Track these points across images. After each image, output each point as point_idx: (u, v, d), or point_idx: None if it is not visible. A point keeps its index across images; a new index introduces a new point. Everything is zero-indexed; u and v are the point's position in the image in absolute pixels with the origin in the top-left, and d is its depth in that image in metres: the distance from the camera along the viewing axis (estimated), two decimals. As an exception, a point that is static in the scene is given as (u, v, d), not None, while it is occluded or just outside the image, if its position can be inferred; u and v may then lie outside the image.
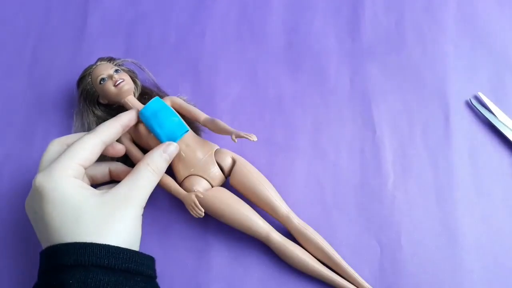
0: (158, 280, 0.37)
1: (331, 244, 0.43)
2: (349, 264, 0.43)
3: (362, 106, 0.51)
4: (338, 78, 0.53)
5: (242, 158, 0.45)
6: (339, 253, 0.43)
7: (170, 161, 0.40)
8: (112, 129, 0.39)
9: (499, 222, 0.46)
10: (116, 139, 0.40)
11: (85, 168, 0.36)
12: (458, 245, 0.45)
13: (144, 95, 0.50)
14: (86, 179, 0.41)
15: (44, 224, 0.33)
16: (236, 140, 0.42)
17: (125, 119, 0.41)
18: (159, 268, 0.38)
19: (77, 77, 0.49)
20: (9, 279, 0.44)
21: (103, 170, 0.43)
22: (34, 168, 0.49)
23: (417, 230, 0.45)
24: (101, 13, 0.58)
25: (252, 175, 0.44)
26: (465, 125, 0.50)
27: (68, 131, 0.51)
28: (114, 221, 0.32)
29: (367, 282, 0.43)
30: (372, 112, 0.51)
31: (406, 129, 0.50)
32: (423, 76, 0.53)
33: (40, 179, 0.33)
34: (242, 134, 0.42)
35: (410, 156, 0.49)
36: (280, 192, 0.45)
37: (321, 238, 0.43)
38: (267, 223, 0.43)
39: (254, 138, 0.42)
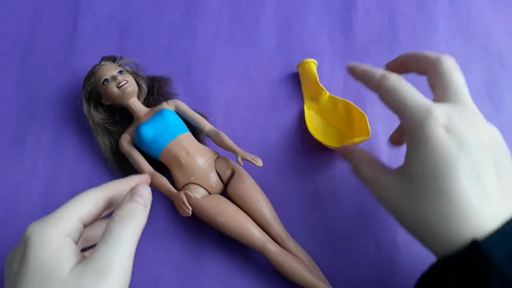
0: (154, 284, 0.37)
1: (329, 246, 0.43)
2: (347, 264, 0.43)
3: (355, 105, 0.51)
4: (331, 77, 0.53)
5: (242, 169, 0.45)
6: (338, 254, 0.43)
7: (148, 206, 0.32)
8: (120, 188, 0.34)
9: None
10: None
11: (85, 225, 0.31)
12: (454, 243, 0.45)
13: (149, 97, 0.50)
14: (83, 237, 0.34)
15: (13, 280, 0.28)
16: (242, 163, 0.43)
17: (136, 182, 0.36)
18: (155, 271, 0.38)
19: (68, 80, 0.49)
20: None
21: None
22: (25, 171, 0.48)
23: (413, 228, 0.45)
24: (92, 14, 0.57)
25: (249, 190, 0.43)
26: (459, 123, 0.50)
27: (60, 136, 0.50)
28: None
29: (364, 282, 0.43)
30: (366, 111, 0.51)
31: (401, 128, 0.50)
32: (416, 74, 0.53)
33: (31, 228, 0.28)
34: (248, 157, 0.42)
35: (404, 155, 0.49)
36: (276, 194, 0.45)
37: (312, 262, 0.42)
38: (264, 233, 0.42)
39: (260, 163, 0.42)
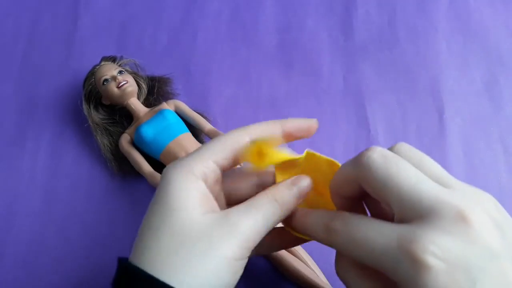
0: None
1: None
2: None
3: (356, 105, 0.51)
4: (331, 77, 0.53)
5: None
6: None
7: (300, 199, 0.28)
8: (265, 129, 0.28)
9: (494, 219, 0.46)
10: (268, 144, 0.27)
11: (224, 170, 0.27)
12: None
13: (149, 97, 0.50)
14: (219, 187, 0.29)
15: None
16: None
17: (291, 125, 0.30)
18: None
19: (68, 80, 0.49)
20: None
21: (247, 184, 0.30)
22: (25, 171, 0.48)
23: (413, 228, 0.45)
24: (92, 15, 0.57)
25: None
26: (459, 122, 0.50)
27: (60, 136, 0.50)
28: (198, 261, 0.23)
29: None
30: (366, 110, 0.51)
31: (400, 127, 0.50)
32: (416, 74, 0.53)
33: (166, 169, 0.26)
34: None
35: (404, 154, 0.49)
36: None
37: (311, 261, 0.42)
38: None
39: None
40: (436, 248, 0.19)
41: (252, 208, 0.25)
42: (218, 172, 0.27)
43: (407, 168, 0.23)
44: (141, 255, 0.24)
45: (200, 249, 0.23)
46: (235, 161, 0.27)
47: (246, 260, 0.26)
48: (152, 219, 0.25)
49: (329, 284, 0.41)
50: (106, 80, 0.46)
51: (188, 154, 0.27)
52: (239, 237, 0.24)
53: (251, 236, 0.25)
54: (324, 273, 0.43)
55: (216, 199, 0.27)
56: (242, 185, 0.30)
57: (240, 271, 0.26)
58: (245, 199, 0.27)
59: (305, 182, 0.29)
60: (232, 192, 0.30)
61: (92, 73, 0.48)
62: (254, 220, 0.25)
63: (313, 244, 0.45)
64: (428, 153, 0.48)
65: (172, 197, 0.24)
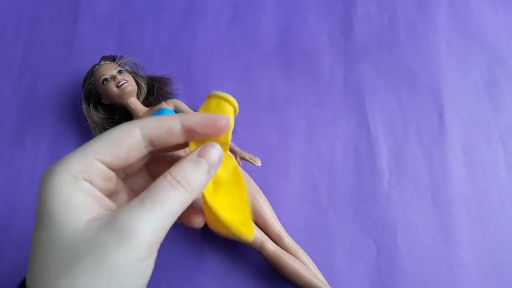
0: (155, 284, 0.37)
1: (328, 245, 0.43)
2: (346, 264, 0.43)
3: (356, 105, 0.51)
4: (331, 77, 0.53)
5: (241, 170, 0.45)
6: (336, 253, 0.43)
7: (213, 173, 0.24)
8: (161, 124, 0.24)
9: (495, 219, 0.46)
10: (167, 142, 0.24)
11: (113, 168, 0.23)
12: (454, 243, 0.45)
13: (149, 97, 0.50)
14: (121, 188, 0.26)
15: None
16: (240, 163, 0.43)
17: (194, 121, 0.24)
18: (155, 271, 0.38)
19: (68, 80, 0.49)
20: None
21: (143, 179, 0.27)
22: (25, 171, 0.48)
23: (413, 228, 0.45)
24: (92, 15, 0.57)
25: (248, 190, 0.43)
26: (459, 122, 0.50)
27: (60, 135, 0.50)
28: (89, 278, 0.20)
29: (364, 282, 0.42)
30: (366, 111, 0.51)
31: (400, 127, 0.50)
32: (417, 74, 0.53)
33: (46, 170, 0.23)
34: (247, 157, 0.43)
35: (404, 155, 0.49)
36: (275, 193, 0.45)
37: (310, 262, 0.42)
38: (262, 233, 0.42)
39: (258, 163, 0.42)
40: None
41: (149, 203, 0.21)
42: (106, 170, 0.23)
43: None
44: (32, 280, 0.21)
45: (89, 264, 0.20)
46: (126, 158, 0.23)
47: (152, 257, 0.22)
48: (36, 234, 0.21)
49: (328, 284, 0.41)
50: (105, 79, 0.46)
51: (69, 153, 0.23)
52: (131, 242, 0.20)
53: (148, 236, 0.20)
54: (322, 273, 0.43)
55: (113, 196, 0.25)
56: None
57: (147, 270, 0.22)
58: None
59: (215, 152, 0.24)
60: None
61: (92, 72, 0.48)
62: (152, 218, 0.21)
63: (312, 244, 0.45)
64: (428, 153, 0.49)
65: (52, 206, 0.21)
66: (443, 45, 0.54)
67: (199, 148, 0.24)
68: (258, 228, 0.42)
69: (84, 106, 0.48)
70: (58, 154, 0.49)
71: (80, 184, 0.22)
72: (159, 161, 0.27)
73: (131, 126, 0.23)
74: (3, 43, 0.56)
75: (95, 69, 0.48)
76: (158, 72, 0.52)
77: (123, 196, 0.26)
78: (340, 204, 0.47)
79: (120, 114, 0.49)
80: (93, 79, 0.47)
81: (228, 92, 0.26)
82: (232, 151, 0.44)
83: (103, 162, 0.23)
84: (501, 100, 0.51)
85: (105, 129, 0.48)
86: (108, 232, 0.20)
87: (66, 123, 0.51)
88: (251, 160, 0.42)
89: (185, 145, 0.25)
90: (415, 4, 0.57)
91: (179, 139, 0.24)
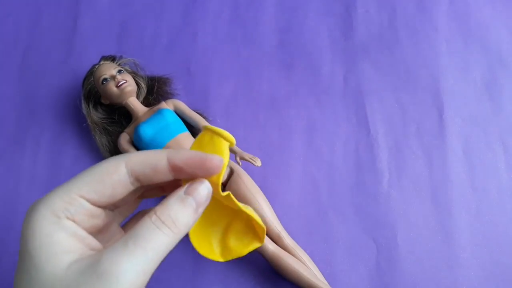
0: (156, 284, 0.37)
1: (328, 245, 0.43)
2: (346, 264, 0.43)
3: (356, 105, 0.51)
4: (331, 77, 0.53)
5: (241, 169, 0.45)
6: (336, 253, 0.43)
7: (200, 211, 0.23)
8: (147, 161, 0.22)
9: (495, 219, 0.46)
10: (154, 179, 0.23)
11: (99, 205, 0.22)
12: (454, 242, 0.45)
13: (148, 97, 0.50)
14: (112, 220, 0.25)
15: None
16: (240, 163, 0.43)
17: (182, 159, 0.22)
18: (156, 272, 0.38)
19: (68, 80, 0.49)
20: None
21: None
22: (25, 171, 0.49)
23: (413, 228, 0.45)
24: (92, 14, 0.57)
25: (248, 190, 0.43)
26: (459, 122, 0.50)
27: (60, 135, 0.50)
28: None
29: (364, 282, 0.42)
30: (366, 111, 0.51)
31: (400, 127, 0.50)
32: (417, 74, 0.53)
33: (29, 209, 0.22)
34: (246, 157, 0.43)
35: (404, 154, 0.49)
36: (275, 193, 0.45)
37: (310, 261, 0.42)
38: None
39: (258, 163, 0.42)
40: None
41: (133, 245, 0.20)
42: (90, 207, 0.22)
43: None
44: None
45: None
46: (112, 194, 0.22)
47: None
48: (18, 272, 0.21)
49: (328, 284, 0.41)
50: (105, 79, 0.46)
51: (51, 191, 0.22)
52: (113, 286, 0.19)
53: (131, 281, 0.19)
54: (322, 273, 0.43)
55: (104, 230, 0.24)
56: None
57: None
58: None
59: (203, 189, 0.22)
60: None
61: (91, 72, 0.48)
62: (135, 262, 0.19)
63: (312, 244, 0.45)
64: (428, 153, 0.49)
65: (32, 246, 0.20)
66: (443, 45, 0.54)
67: (186, 185, 0.22)
68: None
69: (83, 106, 0.48)
70: (58, 154, 0.49)
71: (62, 223, 0.21)
72: (154, 190, 0.26)
73: (116, 162, 0.22)
74: (3, 43, 0.56)
75: (94, 69, 0.48)
76: (158, 72, 0.52)
77: (115, 228, 0.25)
78: (340, 204, 0.47)
79: (119, 114, 0.49)
80: (92, 79, 0.47)
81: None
82: (231, 151, 0.44)
83: (87, 200, 0.21)
84: (501, 100, 0.51)
85: (105, 129, 0.48)
86: (89, 276, 0.19)
87: (66, 123, 0.51)
88: (251, 160, 0.42)
89: (177, 183, 0.24)
90: (415, 4, 0.57)
91: (166, 176, 0.22)
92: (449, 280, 0.43)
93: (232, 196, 0.24)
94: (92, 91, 0.48)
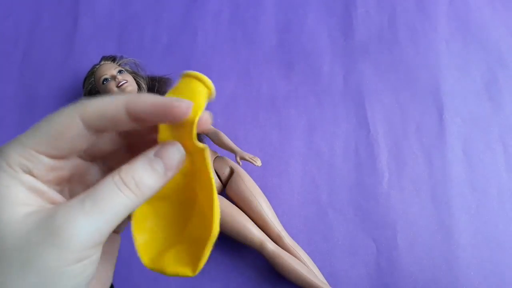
0: (156, 283, 0.37)
1: (328, 245, 0.43)
2: (346, 264, 0.43)
3: (356, 105, 0.51)
4: (331, 77, 0.53)
5: (241, 169, 0.45)
6: (336, 253, 0.43)
7: (169, 176, 0.21)
8: (103, 112, 0.20)
9: (494, 218, 0.46)
10: (116, 130, 0.21)
11: (60, 158, 0.21)
12: (454, 242, 0.45)
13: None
14: (88, 168, 0.23)
15: None
16: (241, 163, 0.43)
17: (141, 105, 0.20)
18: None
19: (68, 80, 0.49)
20: None
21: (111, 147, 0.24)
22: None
23: (413, 228, 0.45)
24: (92, 14, 0.57)
25: (248, 189, 0.43)
26: (458, 122, 0.50)
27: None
28: (17, 277, 0.19)
29: (364, 282, 0.43)
30: (366, 111, 0.51)
31: (400, 127, 0.50)
32: (416, 74, 0.53)
33: None
34: (246, 157, 0.43)
35: (404, 154, 0.49)
36: (275, 193, 0.45)
37: (310, 261, 0.43)
38: (262, 232, 0.42)
39: (258, 163, 0.43)
40: None
41: (90, 204, 0.19)
42: (49, 161, 0.21)
43: None
44: None
45: (19, 261, 0.18)
46: (72, 148, 0.21)
47: (91, 258, 0.20)
48: None
49: (327, 283, 0.41)
50: (105, 79, 0.46)
51: (8, 142, 0.20)
52: (64, 243, 0.18)
53: (85, 239, 0.19)
54: (322, 273, 0.43)
55: (77, 178, 0.22)
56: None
57: (85, 271, 0.20)
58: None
59: (175, 154, 0.21)
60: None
61: (92, 72, 0.48)
62: (91, 221, 0.19)
63: (312, 244, 0.45)
64: (428, 153, 0.49)
65: None
66: (443, 45, 0.54)
67: (157, 147, 0.21)
68: (258, 228, 0.42)
69: None
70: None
71: (20, 176, 0.20)
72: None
73: (70, 115, 0.20)
74: (3, 43, 0.56)
75: (95, 69, 0.48)
76: (158, 72, 0.52)
77: (93, 176, 0.23)
78: (340, 204, 0.47)
79: None
80: (93, 79, 0.47)
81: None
82: (232, 151, 0.44)
83: (45, 155, 0.20)
84: (501, 100, 0.51)
85: None
86: (41, 230, 0.18)
87: (66, 123, 0.51)
88: (251, 160, 0.42)
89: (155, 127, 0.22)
90: (415, 4, 0.57)
91: (128, 126, 0.20)
92: (449, 280, 0.43)
93: (207, 153, 0.21)
94: (93, 91, 0.48)
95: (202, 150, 0.20)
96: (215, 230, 0.21)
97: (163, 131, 0.21)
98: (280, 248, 0.42)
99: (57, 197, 0.21)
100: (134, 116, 0.20)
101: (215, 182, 0.21)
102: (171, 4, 0.58)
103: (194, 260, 0.22)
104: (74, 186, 0.22)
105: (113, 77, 0.46)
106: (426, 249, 0.45)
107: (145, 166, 0.20)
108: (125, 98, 0.20)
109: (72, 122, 0.20)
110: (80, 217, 0.19)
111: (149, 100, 0.20)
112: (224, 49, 0.55)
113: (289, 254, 0.41)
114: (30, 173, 0.20)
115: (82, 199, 0.19)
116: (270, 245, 0.41)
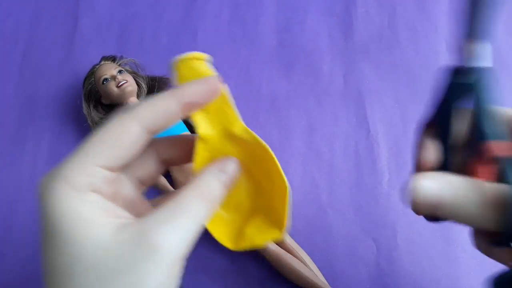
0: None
1: (328, 245, 0.43)
2: (346, 264, 0.43)
3: (356, 105, 0.51)
4: (331, 77, 0.53)
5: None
6: (336, 253, 0.43)
7: (232, 185, 0.24)
8: (157, 111, 0.21)
9: (494, 219, 0.46)
10: (166, 126, 0.23)
11: (115, 170, 0.21)
12: (454, 242, 0.45)
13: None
14: (128, 185, 0.24)
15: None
16: None
17: (189, 93, 0.22)
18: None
19: (68, 80, 0.49)
20: None
21: (150, 166, 0.25)
22: (25, 171, 0.49)
23: (413, 228, 0.45)
24: (92, 14, 0.57)
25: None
26: (459, 123, 0.50)
27: (60, 136, 0.50)
28: (128, 281, 0.18)
29: (364, 282, 0.42)
30: (366, 111, 0.51)
31: (400, 127, 0.50)
32: (417, 74, 0.53)
33: (40, 186, 0.21)
34: None
35: (404, 154, 0.49)
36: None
37: (310, 261, 0.42)
38: None
39: None
40: None
41: (177, 215, 0.20)
42: (109, 175, 0.21)
43: None
44: None
45: (123, 283, 0.18)
46: (128, 155, 0.21)
47: (179, 273, 0.21)
48: (49, 262, 0.20)
49: (327, 284, 0.41)
50: (105, 79, 0.46)
51: (63, 162, 0.21)
52: (164, 259, 0.19)
53: (181, 250, 0.20)
54: (322, 273, 0.43)
55: (126, 203, 0.23)
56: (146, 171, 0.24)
57: (176, 282, 0.21)
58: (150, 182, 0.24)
59: (234, 167, 0.24)
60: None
61: (92, 72, 0.48)
62: (182, 232, 0.20)
63: (312, 244, 0.45)
64: (428, 153, 0.49)
65: (65, 226, 0.19)
66: (443, 45, 0.54)
67: (218, 163, 0.24)
68: None
69: (84, 106, 0.48)
70: (58, 154, 0.49)
71: (88, 197, 0.20)
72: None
73: (127, 122, 0.21)
74: (3, 43, 0.56)
75: (95, 69, 0.48)
76: (158, 72, 0.52)
77: (127, 189, 0.24)
78: (340, 204, 0.47)
79: None
80: (93, 79, 0.47)
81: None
82: None
83: (105, 168, 0.20)
84: (501, 100, 0.51)
85: None
86: (138, 249, 0.18)
87: (66, 123, 0.51)
88: None
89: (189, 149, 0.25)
90: (415, 4, 0.57)
91: (179, 117, 0.22)
92: (449, 280, 0.43)
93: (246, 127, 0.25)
94: (93, 91, 0.48)
95: (244, 129, 0.26)
96: (286, 183, 0.24)
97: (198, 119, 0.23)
98: (280, 249, 0.42)
99: (122, 213, 0.21)
100: (185, 103, 0.22)
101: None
102: (171, 4, 0.58)
103: (277, 221, 0.25)
104: (119, 201, 0.22)
105: (113, 77, 0.46)
106: (426, 249, 0.45)
107: (214, 180, 0.23)
108: (171, 92, 0.22)
109: (130, 126, 0.21)
110: (172, 231, 0.19)
111: (191, 87, 0.22)
112: (224, 50, 0.55)
113: (289, 255, 0.41)
114: (97, 190, 0.20)
115: (170, 212, 0.20)
116: (271, 246, 0.41)
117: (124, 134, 0.21)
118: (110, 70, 0.47)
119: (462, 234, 0.45)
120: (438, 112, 0.25)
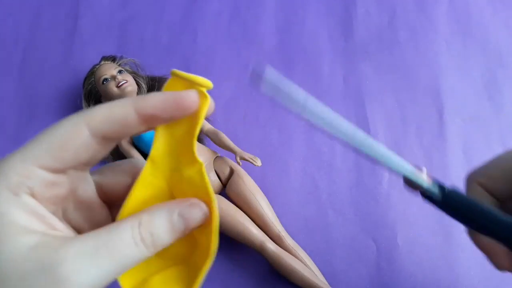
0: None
1: (328, 245, 0.43)
2: (346, 264, 0.43)
3: (355, 105, 0.51)
4: (331, 77, 0.53)
5: (241, 169, 0.45)
6: (336, 253, 0.43)
7: (184, 233, 0.20)
8: (112, 117, 0.19)
9: (494, 219, 0.46)
10: (125, 134, 0.20)
11: (60, 172, 0.20)
12: (454, 242, 0.45)
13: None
14: (85, 187, 0.22)
15: None
16: (240, 163, 0.43)
17: (150, 105, 0.19)
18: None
19: (68, 80, 0.49)
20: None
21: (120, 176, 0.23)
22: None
23: (413, 228, 0.45)
24: (92, 15, 0.57)
25: (248, 190, 0.43)
26: (458, 122, 0.50)
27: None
28: None
29: (364, 282, 0.42)
30: (366, 111, 0.51)
31: (400, 128, 0.50)
32: (416, 74, 0.53)
33: None
34: (246, 157, 0.43)
35: (404, 154, 0.49)
36: (275, 193, 0.45)
37: (310, 262, 0.42)
38: (262, 233, 0.42)
39: (258, 163, 0.43)
40: None
41: (102, 252, 0.17)
42: (49, 176, 0.19)
43: None
44: None
45: None
46: (75, 158, 0.19)
47: None
48: None
49: (327, 284, 0.41)
50: (105, 79, 0.46)
51: (4, 159, 0.19)
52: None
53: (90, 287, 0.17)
54: (322, 273, 0.43)
55: (79, 205, 0.21)
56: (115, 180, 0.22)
57: None
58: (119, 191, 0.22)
59: (198, 215, 0.20)
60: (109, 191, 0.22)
61: (92, 72, 0.48)
62: (101, 273, 0.17)
63: (312, 244, 0.45)
64: (428, 153, 0.49)
65: None
66: (443, 45, 0.54)
67: (183, 205, 0.20)
68: (258, 228, 0.42)
69: (84, 106, 0.48)
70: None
71: (21, 200, 0.18)
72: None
73: (77, 124, 0.19)
74: (3, 43, 0.56)
75: (95, 69, 0.48)
76: (158, 72, 0.52)
77: (85, 191, 0.22)
78: (340, 204, 0.47)
79: None
80: (93, 79, 0.47)
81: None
82: (232, 151, 0.44)
83: (46, 169, 0.19)
84: (501, 100, 0.51)
85: None
86: (47, 277, 0.17)
87: (66, 123, 0.51)
88: (251, 160, 0.42)
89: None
90: (415, 4, 0.57)
91: (137, 129, 0.20)
92: (449, 280, 0.43)
93: (204, 169, 0.20)
94: (93, 91, 0.48)
95: (200, 164, 0.19)
96: (213, 249, 0.20)
97: (160, 139, 0.20)
98: (280, 249, 0.42)
99: (56, 222, 0.19)
100: (144, 114, 0.19)
101: (214, 188, 0.20)
102: (171, 4, 0.58)
103: (187, 283, 0.21)
104: (66, 204, 0.21)
105: (113, 77, 0.46)
106: (426, 249, 0.45)
107: (166, 224, 0.19)
108: (133, 99, 0.19)
109: (78, 129, 0.19)
110: (90, 268, 0.17)
111: (158, 97, 0.19)
112: (224, 50, 0.55)
113: (289, 255, 0.41)
114: (31, 193, 0.18)
115: (93, 246, 0.18)
116: (271, 246, 0.41)
117: (71, 138, 0.19)
118: (110, 70, 0.47)
119: (462, 234, 0.45)
120: (472, 226, 0.26)
